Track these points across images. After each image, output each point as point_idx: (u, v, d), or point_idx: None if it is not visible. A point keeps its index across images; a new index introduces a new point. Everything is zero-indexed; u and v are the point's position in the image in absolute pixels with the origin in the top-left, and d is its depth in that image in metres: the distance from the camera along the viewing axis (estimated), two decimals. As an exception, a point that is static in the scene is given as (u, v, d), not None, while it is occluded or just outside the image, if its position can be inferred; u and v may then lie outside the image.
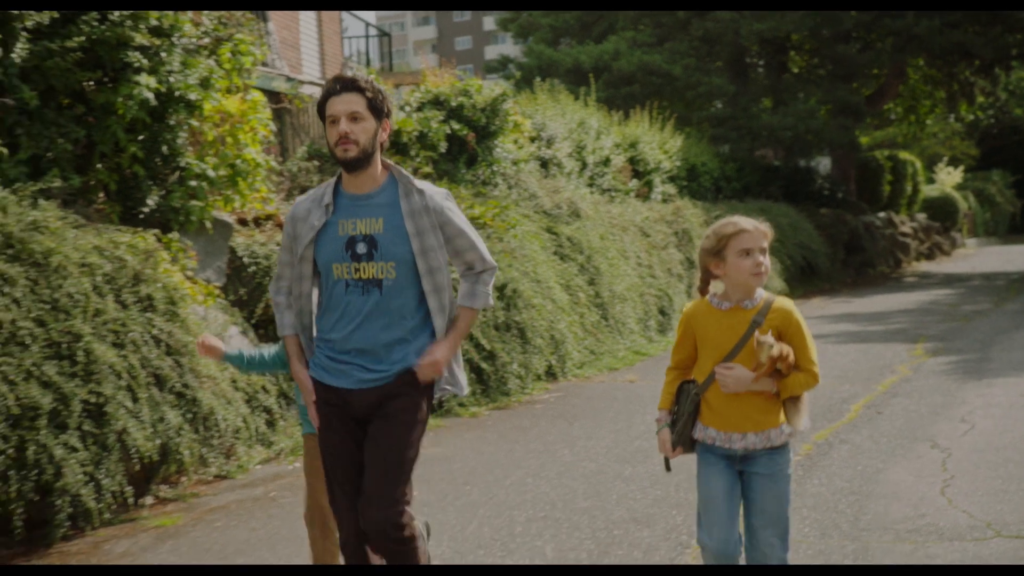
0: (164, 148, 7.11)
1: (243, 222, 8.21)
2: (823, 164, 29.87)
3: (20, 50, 6.08)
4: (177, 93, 6.94)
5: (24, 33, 6.11)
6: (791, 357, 3.37)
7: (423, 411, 3.58)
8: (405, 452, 3.49)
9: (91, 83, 6.69)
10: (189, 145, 7.34)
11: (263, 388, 7.37)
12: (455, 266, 3.66)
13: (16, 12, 6.01)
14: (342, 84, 3.45)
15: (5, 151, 6.03)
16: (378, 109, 3.47)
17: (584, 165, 15.12)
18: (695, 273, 15.89)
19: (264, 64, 8.32)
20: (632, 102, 20.93)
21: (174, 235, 7.10)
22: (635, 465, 6.66)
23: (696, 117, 24.09)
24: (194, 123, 7.25)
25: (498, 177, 11.88)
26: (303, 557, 5.09)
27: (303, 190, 9.08)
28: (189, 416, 6.31)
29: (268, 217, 8.39)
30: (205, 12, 7.53)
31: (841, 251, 23.79)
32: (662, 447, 3.56)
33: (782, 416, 3.44)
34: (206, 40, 7.59)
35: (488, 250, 3.70)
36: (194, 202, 7.34)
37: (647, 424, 7.92)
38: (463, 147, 11.24)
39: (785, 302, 3.45)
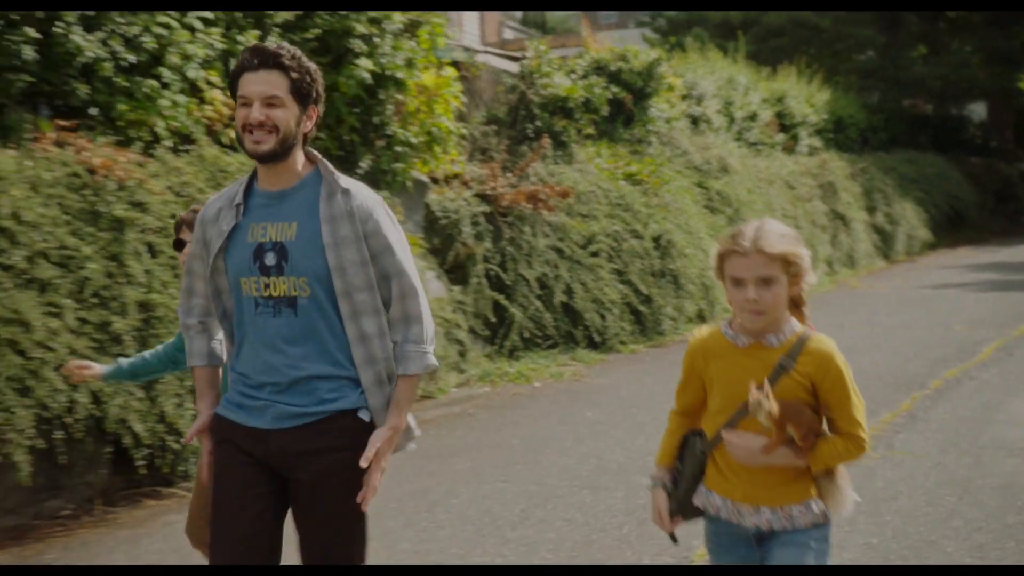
0: (375, 119, 8.40)
1: (435, 181, 9.48)
2: (977, 112, 29.42)
3: (271, 42, 7.42)
4: (387, 72, 8.20)
5: (275, 28, 7.46)
6: (806, 420, 2.54)
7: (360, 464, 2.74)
8: (350, 528, 2.78)
9: (319, 66, 7.98)
10: (395, 116, 8.61)
11: (456, 325, 8.66)
12: (381, 295, 2.78)
13: (271, 11, 7.37)
14: (260, 58, 2.69)
15: (261, 127, 7.41)
16: (304, 94, 2.72)
17: (732, 121, 15.87)
18: (839, 225, 16.57)
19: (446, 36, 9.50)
20: (780, 56, 21.35)
21: (384, 193, 8.39)
22: (780, 394, 7.67)
23: (844, 68, 24.25)
24: (399, 97, 8.51)
25: (652, 136, 12.84)
26: (502, 460, 6.34)
27: (483, 151, 10.29)
28: (403, 345, 7.62)
29: (455, 176, 9.64)
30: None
31: (991, 200, 23.71)
32: (655, 516, 2.73)
33: (814, 489, 2.60)
34: (403, 22, 8.80)
35: (420, 278, 2.84)
36: (398, 164, 8.62)
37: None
38: (621, 108, 12.24)
39: (823, 343, 2.59)
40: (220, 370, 2.98)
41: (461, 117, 10.42)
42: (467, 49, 11.56)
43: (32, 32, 5.93)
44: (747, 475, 2.59)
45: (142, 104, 6.59)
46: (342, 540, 2.76)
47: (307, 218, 2.74)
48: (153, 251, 6.00)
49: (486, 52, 12.15)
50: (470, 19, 18.90)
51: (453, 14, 16.14)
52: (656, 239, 10.78)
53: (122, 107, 6.52)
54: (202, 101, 7.03)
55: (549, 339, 9.45)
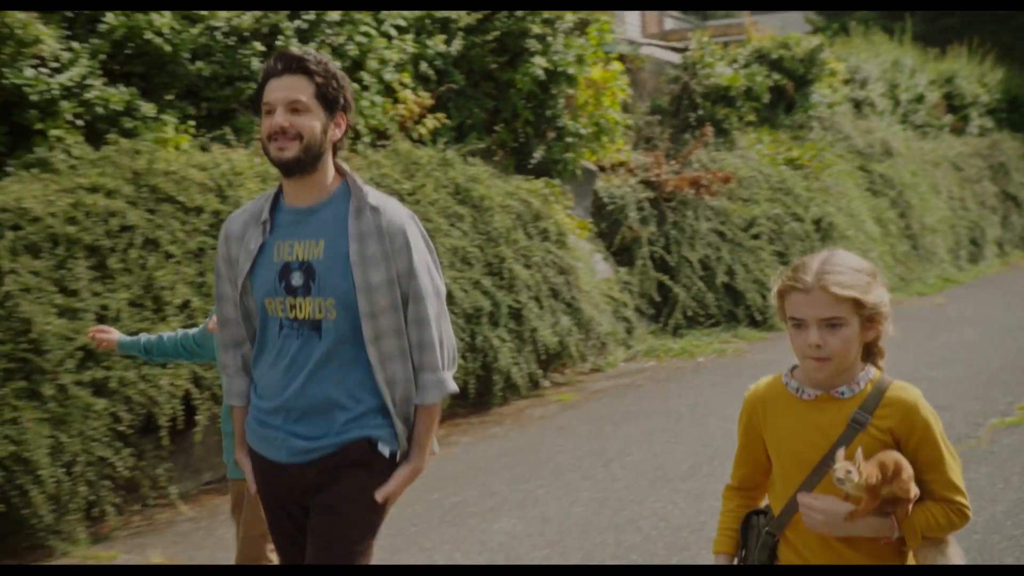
0: (548, 113, 9.05)
1: (602, 169, 10.08)
2: None
3: (456, 44, 8.21)
4: (559, 69, 8.84)
5: (459, 32, 8.22)
6: (907, 483, 2.11)
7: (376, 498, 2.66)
8: (350, 556, 2.63)
9: (496, 65, 8.70)
10: (565, 109, 9.24)
11: (623, 304, 9.24)
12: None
13: (456, 16, 8.15)
14: (284, 64, 2.60)
15: (448, 121, 8.18)
16: (331, 99, 2.60)
17: (897, 103, 15.80)
18: (1010, 206, 16.25)
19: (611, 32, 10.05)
20: (950, 35, 20.87)
21: (555, 181, 9.04)
22: (940, 369, 7.91)
23: (1021, 44, 23.39)
24: (570, 91, 9.14)
25: (813, 121, 13.04)
26: (670, 424, 6.88)
27: (648, 140, 10.81)
28: (575, 321, 8.26)
29: (621, 164, 10.22)
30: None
31: None
32: None
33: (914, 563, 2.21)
34: (573, 20, 9.42)
35: (447, 316, 2.71)
36: (568, 154, 9.26)
37: (953, 339, 9.04)
38: (782, 95, 12.52)
39: (906, 391, 2.19)
40: None
41: (626, 108, 10.95)
42: (631, 42, 12.08)
43: (259, 46, 6.84)
44: (831, 553, 2.18)
45: (346, 105, 7.43)
46: (346, 557, 2.63)
47: (335, 236, 2.61)
48: (360, 235, 6.82)
49: (649, 44, 12.64)
50: (632, 11, 19.33)
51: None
52: (817, 222, 11.05)
53: (329, 108, 7.37)
54: (396, 101, 7.84)
55: (711, 317, 9.90)
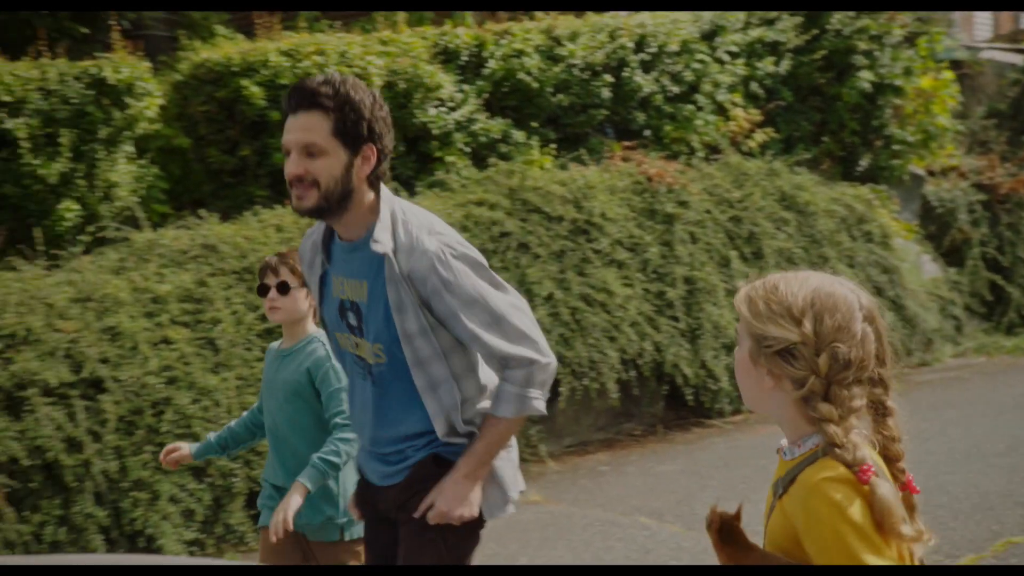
0: (874, 122, 9.54)
1: (931, 173, 10.35)
2: None
3: (784, 64, 8.99)
4: (886, 81, 9.32)
5: (788, 53, 9.00)
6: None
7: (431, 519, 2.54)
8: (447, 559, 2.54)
9: (824, 80, 9.34)
10: (892, 118, 9.67)
11: (952, 302, 9.50)
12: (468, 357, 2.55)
13: (784, 39, 8.93)
14: (297, 100, 2.36)
15: (777, 135, 8.96)
16: (351, 135, 2.35)
17: None
18: None
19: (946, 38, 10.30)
20: None
21: (881, 187, 9.50)
22: None
23: None
24: (897, 101, 9.57)
25: None
26: (991, 410, 7.20)
27: (982, 144, 10.89)
28: (899, 317, 8.70)
29: (951, 168, 10.43)
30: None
31: None
32: None
33: None
34: (902, 34, 9.83)
35: (528, 335, 2.46)
36: (895, 161, 9.68)
37: None
38: None
39: (822, 470, 1.66)
40: None
41: (960, 114, 11.08)
42: (969, 48, 12.14)
43: (608, 78, 8.03)
44: None
45: (682, 124, 8.45)
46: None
47: (374, 278, 2.42)
48: (694, 238, 7.79)
49: (991, 48, 12.58)
50: (982, 14, 18.75)
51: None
52: None
53: (667, 128, 8.43)
54: (727, 118, 8.74)
55: (1049, 318, 9.87)
